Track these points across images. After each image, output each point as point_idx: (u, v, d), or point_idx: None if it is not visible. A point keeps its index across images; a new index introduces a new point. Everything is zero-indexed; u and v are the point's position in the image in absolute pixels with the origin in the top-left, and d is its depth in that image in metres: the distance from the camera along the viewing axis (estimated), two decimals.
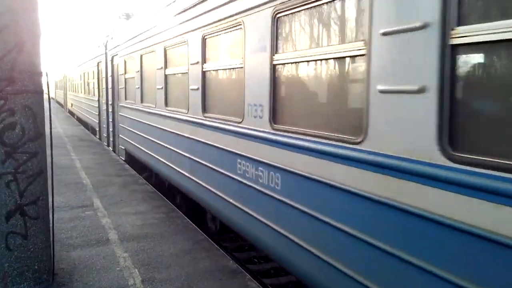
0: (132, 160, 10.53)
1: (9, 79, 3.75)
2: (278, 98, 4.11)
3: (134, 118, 9.58)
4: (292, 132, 3.84)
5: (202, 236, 5.66)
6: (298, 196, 3.77)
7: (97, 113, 15.57)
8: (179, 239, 5.54)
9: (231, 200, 5.02)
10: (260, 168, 4.35)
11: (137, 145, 9.46)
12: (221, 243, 6.21)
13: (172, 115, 6.98)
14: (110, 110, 12.89)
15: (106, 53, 13.29)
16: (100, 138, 15.45)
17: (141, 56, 8.86)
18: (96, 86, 15.48)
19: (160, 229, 5.91)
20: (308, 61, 3.72)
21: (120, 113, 11.33)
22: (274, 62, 4.07)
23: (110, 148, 13.14)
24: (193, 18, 5.92)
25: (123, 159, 11.22)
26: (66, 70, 31.93)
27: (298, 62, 3.85)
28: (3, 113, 3.76)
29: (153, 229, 5.88)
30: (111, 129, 12.99)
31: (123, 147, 11.22)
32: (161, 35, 7.45)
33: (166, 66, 7.27)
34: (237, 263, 5.06)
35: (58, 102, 44.62)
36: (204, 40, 5.67)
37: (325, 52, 3.45)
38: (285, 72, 4.07)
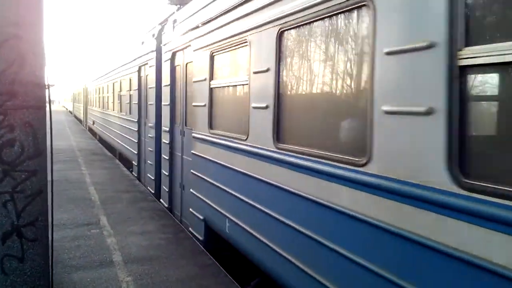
0: (219, 240, 5.50)
1: (10, 93, 3.57)
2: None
3: (245, 171, 4.51)
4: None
5: (210, 261, 5.37)
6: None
7: (135, 140, 10.75)
8: (186, 262, 5.26)
9: None
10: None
11: (247, 228, 4.49)
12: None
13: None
14: (166, 141, 7.74)
15: (158, 49, 8.52)
16: (139, 178, 10.59)
17: (281, 32, 3.90)
18: (135, 100, 10.65)
19: (167, 251, 5.64)
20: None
21: (194, 152, 6.16)
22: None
23: (164, 203, 8.11)
24: None
25: (200, 237, 6.04)
26: (87, 81, 27.40)
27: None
28: (2, 129, 3.56)
29: (159, 251, 5.62)
30: (165, 172, 7.85)
31: (200, 216, 5.95)
32: None
33: None
34: None
35: (76, 117, 40.23)
36: None
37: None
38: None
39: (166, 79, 7.93)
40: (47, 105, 3.90)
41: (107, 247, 5.68)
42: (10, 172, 3.63)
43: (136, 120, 10.67)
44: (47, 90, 3.97)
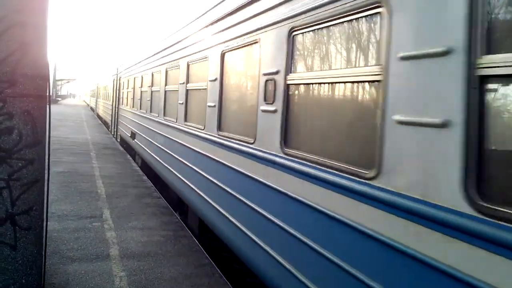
0: None
1: (10, 81, 3.59)
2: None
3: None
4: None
5: (207, 260, 5.32)
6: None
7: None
8: (182, 261, 5.21)
9: None
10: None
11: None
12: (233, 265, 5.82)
13: None
14: None
15: None
16: None
17: None
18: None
19: (164, 248, 5.60)
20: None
21: None
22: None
23: None
24: None
25: None
26: (120, 69, 17.77)
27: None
28: (1, 117, 3.59)
29: (157, 248, 5.58)
30: None
31: None
32: None
33: None
34: None
35: (100, 118, 32.00)
36: None
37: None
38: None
39: None
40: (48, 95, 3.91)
41: (105, 240, 5.67)
42: (7, 159, 3.64)
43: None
44: (51, 80, 3.99)
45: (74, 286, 4.33)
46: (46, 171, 3.99)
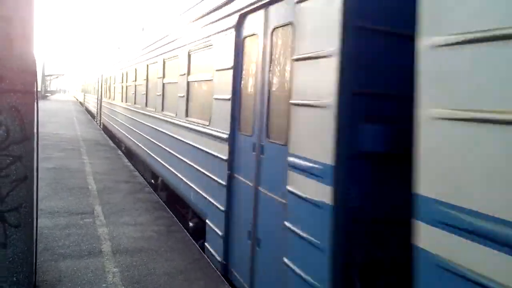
0: None
1: None
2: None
3: None
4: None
5: (200, 255, 5.30)
6: None
7: None
8: (175, 256, 5.19)
9: None
10: None
11: None
12: None
13: None
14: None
15: None
16: None
17: None
18: None
19: (157, 243, 5.58)
20: None
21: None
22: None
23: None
24: None
25: None
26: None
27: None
28: None
29: (149, 243, 5.56)
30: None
31: None
32: None
33: None
34: None
35: (106, 130, 19.02)
36: None
37: None
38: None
39: None
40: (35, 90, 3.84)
41: (97, 237, 5.63)
42: None
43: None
44: (38, 75, 3.92)
45: (67, 282, 4.29)
46: (35, 168, 3.94)
